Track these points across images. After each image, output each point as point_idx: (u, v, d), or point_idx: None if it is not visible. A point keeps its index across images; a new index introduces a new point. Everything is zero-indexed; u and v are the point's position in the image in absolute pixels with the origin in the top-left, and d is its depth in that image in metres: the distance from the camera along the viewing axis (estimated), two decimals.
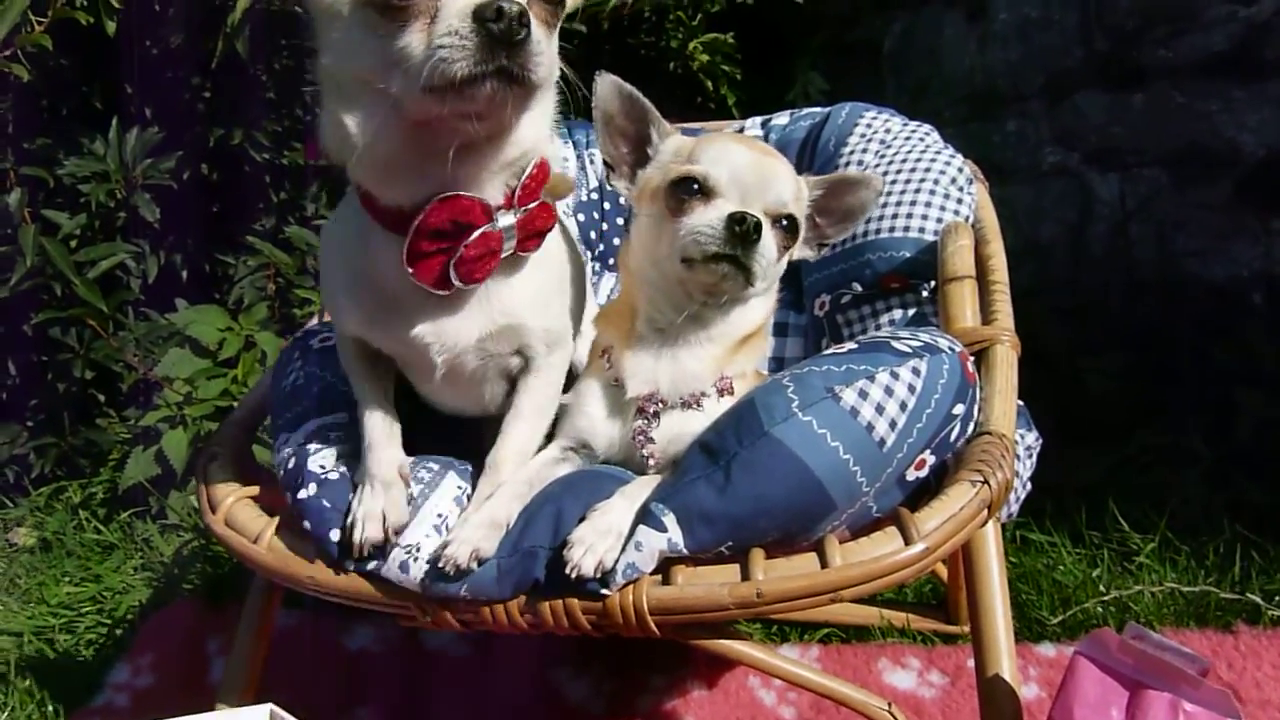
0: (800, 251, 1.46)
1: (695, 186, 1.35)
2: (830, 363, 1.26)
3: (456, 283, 1.25)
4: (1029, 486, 1.62)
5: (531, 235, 1.31)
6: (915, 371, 1.23)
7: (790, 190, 1.39)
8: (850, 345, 1.32)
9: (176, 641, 2.26)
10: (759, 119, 2.18)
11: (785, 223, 1.37)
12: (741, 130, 2.17)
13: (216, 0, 3.18)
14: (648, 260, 1.41)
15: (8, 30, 2.70)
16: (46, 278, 3.17)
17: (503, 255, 1.28)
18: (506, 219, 1.26)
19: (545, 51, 1.13)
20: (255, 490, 1.43)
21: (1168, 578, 2.33)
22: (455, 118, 1.13)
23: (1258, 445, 3.04)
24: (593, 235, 2.16)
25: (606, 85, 1.44)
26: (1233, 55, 3.28)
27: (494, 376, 1.41)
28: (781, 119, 2.14)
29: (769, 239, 1.33)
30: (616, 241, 2.14)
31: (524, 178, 1.28)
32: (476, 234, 1.23)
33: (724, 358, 1.40)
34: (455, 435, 1.55)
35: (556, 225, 1.40)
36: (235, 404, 3.14)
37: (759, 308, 1.43)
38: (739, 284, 1.34)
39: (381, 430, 1.37)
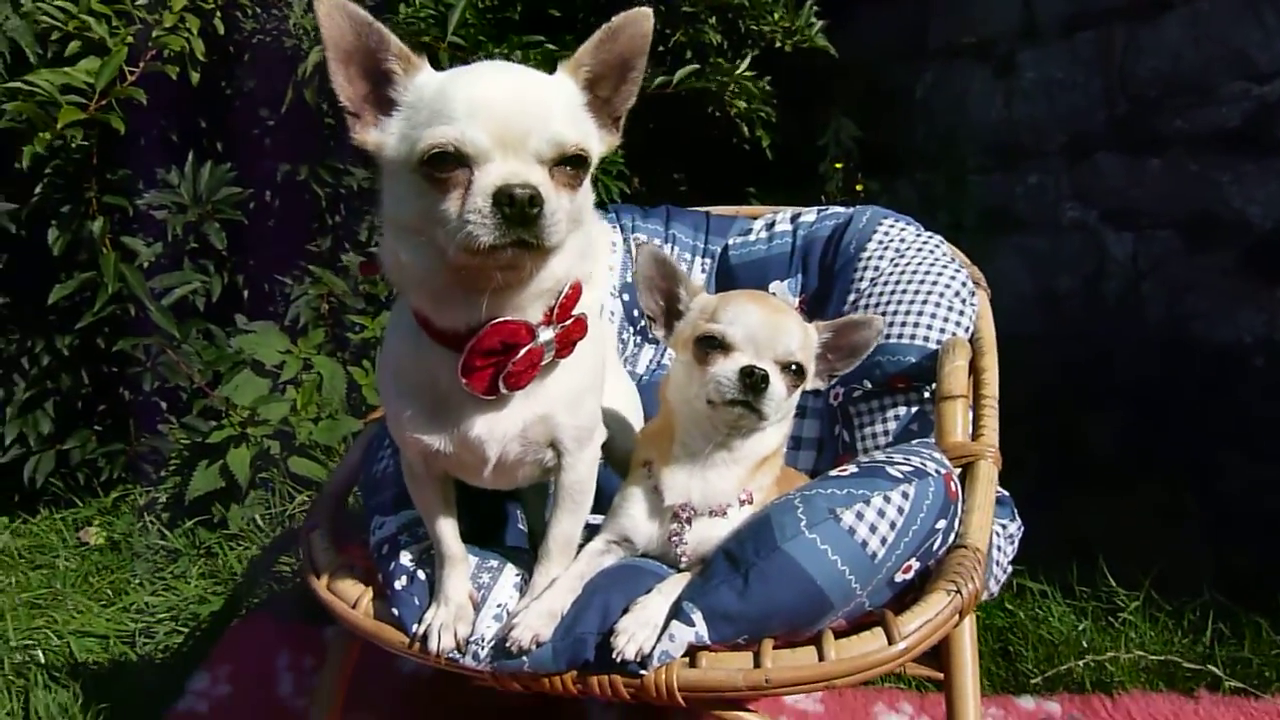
0: (811, 383, 1.70)
1: (716, 342, 1.60)
2: (834, 485, 1.50)
3: (504, 390, 1.45)
4: (1009, 570, 1.84)
5: (567, 345, 1.50)
6: (905, 495, 1.47)
7: (797, 340, 1.63)
8: (852, 468, 1.58)
9: (249, 654, 2.53)
10: (789, 212, 2.40)
11: (794, 368, 1.62)
12: (772, 224, 2.39)
13: (289, 50, 3.42)
14: (681, 398, 1.66)
15: (106, 83, 2.95)
16: (123, 301, 3.41)
17: (543, 365, 1.47)
18: (546, 334, 1.44)
19: (562, 219, 1.29)
20: (350, 561, 1.70)
21: (1148, 636, 2.55)
22: (487, 268, 1.33)
23: (1246, 507, 3.23)
24: (635, 313, 2.39)
25: (645, 254, 1.71)
26: (1245, 131, 3.43)
27: (530, 463, 1.60)
28: (809, 216, 2.36)
29: (778, 384, 1.58)
30: None
31: (560, 298, 1.46)
32: (523, 351, 1.42)
33: (746, 476, 1.65)
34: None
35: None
36: (293, 428, 3.43)
37: (775, 434, 1.68)
38: (753, 421, 1.59)
39: (453, 551, 1.60)
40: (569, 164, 1.34)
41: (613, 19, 1.38)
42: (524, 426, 1.52)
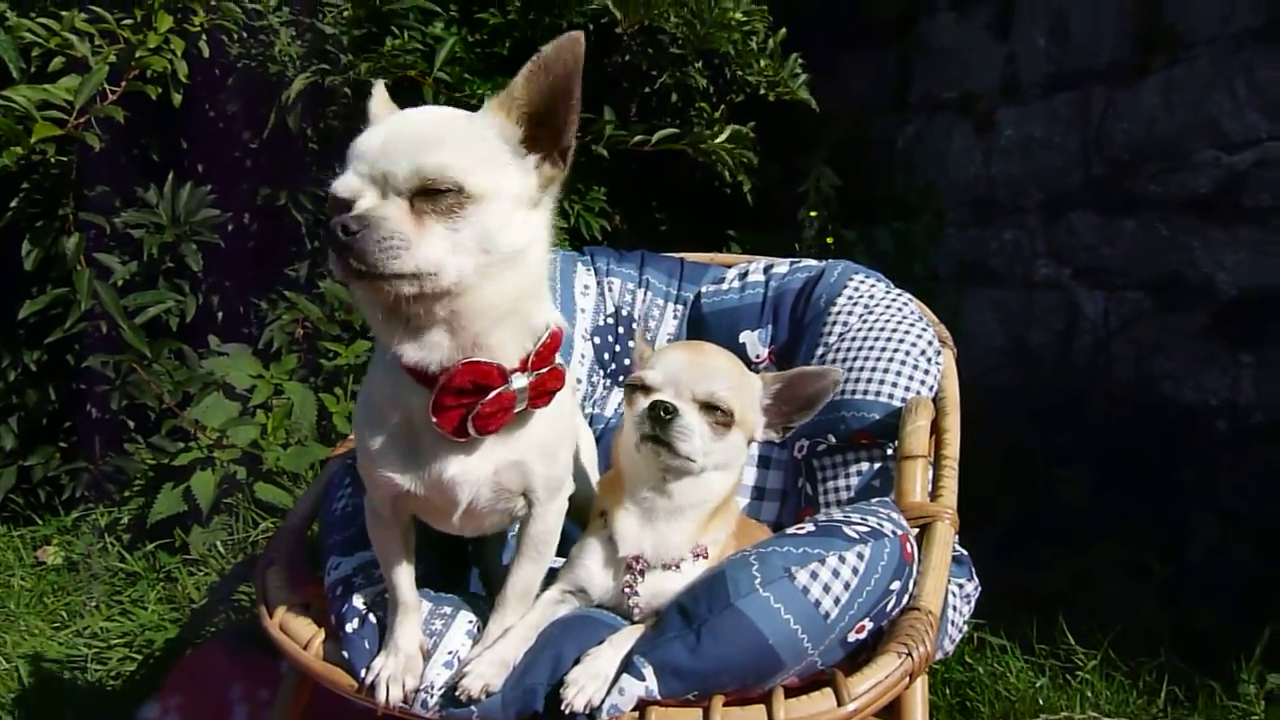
0: (764, 434, 1.73)
1: (640, 386, 1.67)
2: (790, 543, 1.51)
3: (473, 433, 1.44)
4: (964, 629, 1.85)
5: (542, 394, 1.50)
6: (860, 556, 1.48)
7: (724, 383, 1.65)
8: (809, 526, 1.58)
9: (203, 684, 2.48)
10: (762, 263, 2.42)
11: (719, 410, 1.64)
12: (745, 274, 2.41)
13: (273, 76, 3.43)
14: (622, 445, 1.71)
15: (85, 101, 2.95)
16: (95, 318, 3.38)
17: (515, 411, 1.46)
18: (520, 381, 1.45)
19: (401, 244, 1.28)
20: (305, 599, 1.68)
21: (1104, 695, 2.56)
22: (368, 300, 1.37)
23: (1207, 569, 3.25)
24: (606, 356, 2.40)
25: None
26: (1214, 198, 3.49)
27: (500, 510, 1.60)
28: (781, 267, 2.38)
29: (691, 420, 1.61)
30: (627, 361, 2.39)
31: (538, 345, 1.47)
32: (493, 394, 1.42)
33: (697, 531, 1.66)
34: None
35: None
36: (261, 453, 3.40)
37: (718, 483, 1.69)
38: (669, 457, 1.61)
39: (406, 599, 1.58)
40: (436, 194, 1.31)
41: (541, 49, 1.34)
42: (496, 470, 1.51)
